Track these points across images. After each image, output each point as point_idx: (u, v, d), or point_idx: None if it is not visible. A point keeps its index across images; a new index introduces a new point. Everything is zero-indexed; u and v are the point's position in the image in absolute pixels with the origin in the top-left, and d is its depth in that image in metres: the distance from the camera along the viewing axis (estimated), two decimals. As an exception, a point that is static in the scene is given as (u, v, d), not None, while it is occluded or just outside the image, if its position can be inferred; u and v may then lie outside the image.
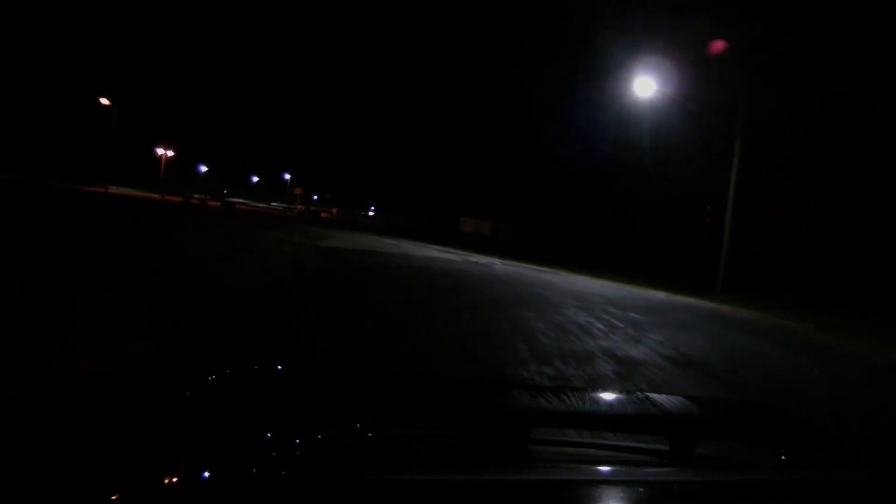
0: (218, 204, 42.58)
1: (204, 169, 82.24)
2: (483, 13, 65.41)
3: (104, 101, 29.48)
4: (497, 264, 17.26)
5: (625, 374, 4.84)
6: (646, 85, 15.13)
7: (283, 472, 0.68)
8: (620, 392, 1.45)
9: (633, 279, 17.31)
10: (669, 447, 0.93)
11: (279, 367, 0.94)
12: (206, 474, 0.66)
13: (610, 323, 7.60)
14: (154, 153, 49.64)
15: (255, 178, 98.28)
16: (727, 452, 1.01)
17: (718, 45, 15.38)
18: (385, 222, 48.75)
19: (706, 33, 17.74)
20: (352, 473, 0.69)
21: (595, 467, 0.85)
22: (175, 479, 0.65)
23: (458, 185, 48.92)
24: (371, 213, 68.74)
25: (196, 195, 45.75)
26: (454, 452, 0.84)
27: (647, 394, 1.11)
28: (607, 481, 0.75)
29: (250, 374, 0.95)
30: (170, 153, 49.48)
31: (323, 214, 52.12)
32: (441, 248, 22.57)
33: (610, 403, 1.07)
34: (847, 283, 18.36)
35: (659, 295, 13.97)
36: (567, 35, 37.47)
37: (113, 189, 33.21)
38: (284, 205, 70.84)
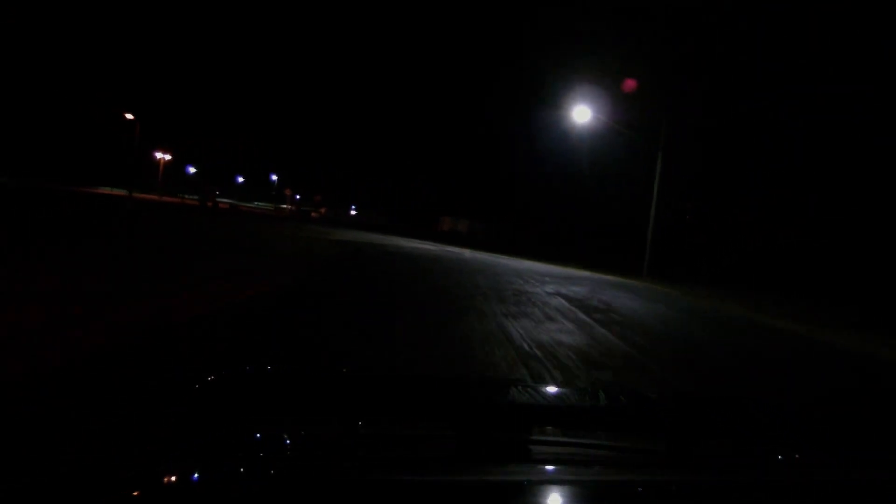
0: (226, 206, 46.48)
1: (192, 170, 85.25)
2: (457, 46, 70.96)
3: (129, 115, 33.29)
4: (467, 253, 22.31)
5: (517, 297, 9.59)
6: (583, 113, 19.82)
7: (283, 473, 0.67)
8: (620, 392, 1.51)
9: (567, 263, 22.37)
10: (668, 447, 0.93)
11: (279, 368, 0.95)
12: (207, 474, 0.66)
13: (527, 281, 12.43)
14: (153, 157, 53.29)
15: (241, 179, 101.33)
16: (725, 452, 1.00)
17: (630, 84, 20.41)
18: (369, 221, 53.27)
19: (635, 71, 22.89)
20: (352, 473, 0.69)
21: (594, 467, 0.86)
22: (175, 479, 0.65)
23: (437, 189, 53.74)
24: (353, 213, 72.95)
25: (189, 196, 49.35)
26: (454, 452, 0.85)
27: (647, 394, 1.19)
28: (606, 481, 0.75)
29: (250, 374, 0.95)
30: (167, 157, 53.18)
31: (313, 214, 56.69)
32: (423, 241, 27.82)
33: (609, 403, 1.08)
34: (774, 271, 22.97)
35: (582, 273, 18.90)
36: (526, 72, 43.19)
37: (113, 191, 36.85)
38: (272, 205, 74.56)
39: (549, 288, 11.68)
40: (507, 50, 56.93)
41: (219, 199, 54.60)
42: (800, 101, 24.48)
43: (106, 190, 43.93)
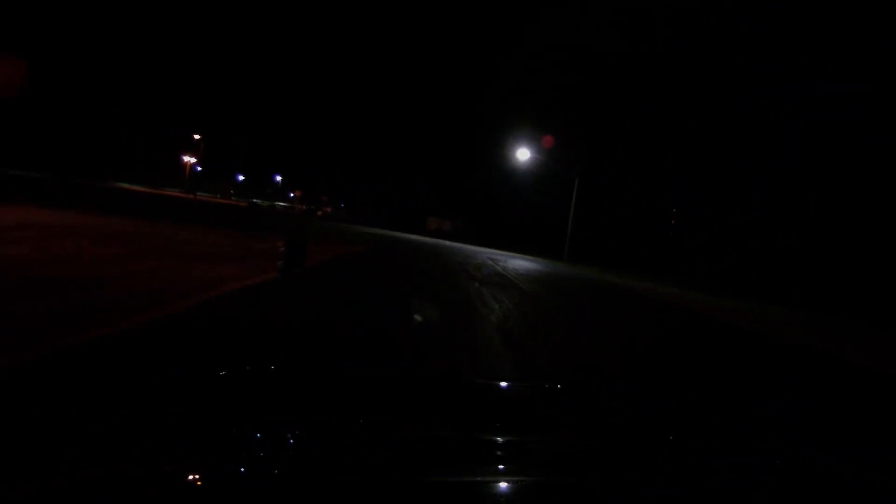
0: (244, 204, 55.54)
1: (199, 168, 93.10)
2: (443, 80, 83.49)
3: (196, 136, 42.18)
4: (446, 243, 32.23)
5: (475, 261, 19.29)
6: (524, 153, 30.10)
7: (283, 472, 0.68)
8: (619, 392, 1.55)
9: (514, 250, 32.38)
10: (668, 446, 0.94)
11: (278, 368, 0.95)
12: (207, 474, 0.67)
13: (479, 257, 22.23)
14: (181, 160, 61.94)
15: (241, 177, 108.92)
16: (726, 452, 1.00)
17: (549, 140, 30.55)
18: (365, 219, 62.72)
19: (560, 123, 33.07)
20: (352, 473, 0.69)
21: (593, 467, 0.86)
22: (174, 479, 0.66)
23: (425, 194, 63.75)
24: (347, 212, 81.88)
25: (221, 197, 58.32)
26: (454, 452, 0.85)
27: (646, 395, 1.20)
28: (606, 481, 0.76)
29: (250, 374, 0.96)
30: (193, 160, 61.90)
31: (318, 213, 66.15)
32: (419, 236, 37.86)
33: (609, 404, 1.11)
34: (652, 255, 33.34)
35: (520, 257, 28.84)
36: (493, 114, 54.60)
37: (156, 190, 45.29)
38: (290, 204, 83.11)
39: (497, 258, 21.47)
40: (479, 97, 68.25)
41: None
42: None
43: (172, 191, 52.43)
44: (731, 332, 10.30)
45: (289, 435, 0.85)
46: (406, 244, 25.22)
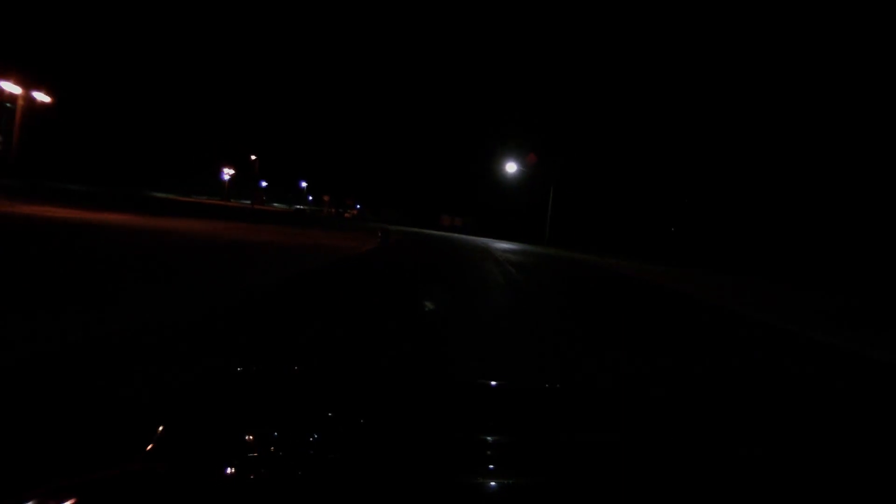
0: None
1: (226, 177, 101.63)
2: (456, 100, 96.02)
3: (252, 157, 50.37)
4: (455, 235, 40.13)
5: (479, 247, 26.82)
6: (511, 166, 37.89)
7: (283, 472, 0.67)
8: (619, 391, 1.52)
9: (507, 239, 40.10)
10: (668, 446, 0.93)
11: (278, 367, 0.96)
12: (199, 475, 0.67)
13: (485, 244, 29.85)
14: (220, 170, 70.21)
15: (264, 184, 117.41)
16: (726, 451, 1.01)
17: (532, 158, 38.26)
18: (385, 219, 70.55)
19: (542, 143, 40.77)
20: (352, 472, 0.69)
21: (593, 467, 0.87)
22: (173, 479, 0.66)
23: (437, 195, 71.95)
24: (363, 212, 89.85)
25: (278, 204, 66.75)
26: (454, 452, 0.86)
27: (645, 393, 1.22)
28: (605, 481, 0.76)
29: (249, 373, 0.95)
30: (232, 171, 70.16)
31: (346, 215, 74.60)
32: (433, 230, 45.76)
33: (608, 402, 1.09)
34: (625, 239, 40.77)
35: (512, 242, 36.45)
36: (493, 131, 63.58)
37: (189, 198, 52.49)
38: (321, 208, 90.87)
39: (493, 245, 29.07)
40: (484, 119, 78.94)
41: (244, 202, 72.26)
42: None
43: (207, 199, 60.40)
44: (620, 277, 17.74)
45: (280, 435, 0.86)
46: (427, 235, 33.05)
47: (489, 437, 0.89)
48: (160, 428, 0.76)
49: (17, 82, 28.40)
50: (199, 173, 78.77)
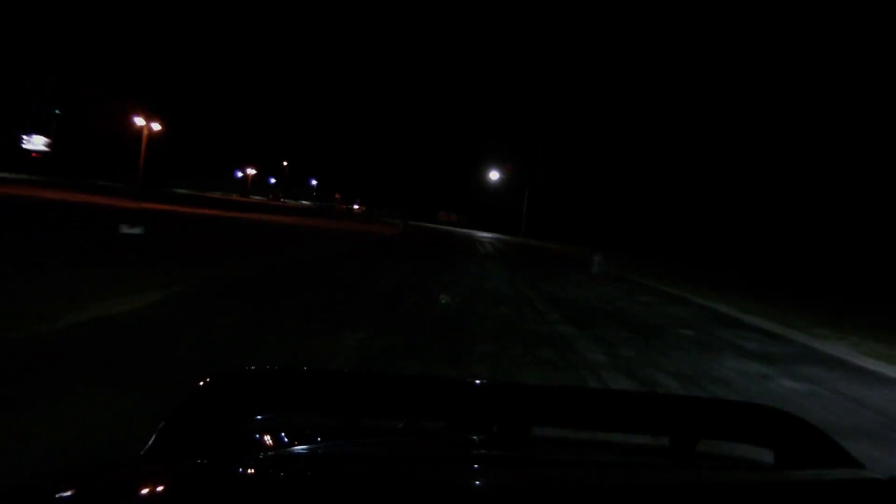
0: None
1: (240, 174, 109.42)
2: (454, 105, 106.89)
3: (284, 163, 58.17)
4: (450, 228, 49.13)
5: (469, 237, 35.08)
6: (494, 173, 47.08)
7: (282, 472, 0.68)
8: (619, 391, 1.52)
9: (494, 231, 48.72)
10: (670, 446, 0.94)
11: (278, 367, 0.98)
12: (203, 476, 0.67)
13: (474, 236, 38.26)
14: (244, 172, 78.28)
15: (273, 181, 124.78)
16: (727, 452, 1.01)
17: (510, 167, 47.03)
18: (388, 214, 79.10)
19: (523, 153, 49.29)
20: (352, 472, 0.70)
21: (594, 467, 0.87)
22: (173, 479, 0.66)
23: (435, 192, 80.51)
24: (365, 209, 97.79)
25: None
26: (454, 452, 0.86)
27: (648, 392, 1.27)
28: (606, 481, 0.76)
29: (249, 373, 0.97)
30: (253, 171, 78.39)
31: (355, 209, 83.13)
32: (433, 224, 54.51)
33: (609, 402, 1.09)
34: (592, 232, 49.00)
35: (491, 234, 45.08)
36: (483, 139, 72.32)
37: (209, 194, 60.43)
38: (327, 204, 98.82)
39: (478, 234, 37.46)
40: (475, 127, 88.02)
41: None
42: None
43: (260, 198, 67.87)
44: (544, 250, 26.02)
45: (286, 435, 0.85)
46: (428, 227, 41.60)
47: (489, 437, 0.91)
48: (160, 426, 0.76)
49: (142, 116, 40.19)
50: (218, 172, 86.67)
